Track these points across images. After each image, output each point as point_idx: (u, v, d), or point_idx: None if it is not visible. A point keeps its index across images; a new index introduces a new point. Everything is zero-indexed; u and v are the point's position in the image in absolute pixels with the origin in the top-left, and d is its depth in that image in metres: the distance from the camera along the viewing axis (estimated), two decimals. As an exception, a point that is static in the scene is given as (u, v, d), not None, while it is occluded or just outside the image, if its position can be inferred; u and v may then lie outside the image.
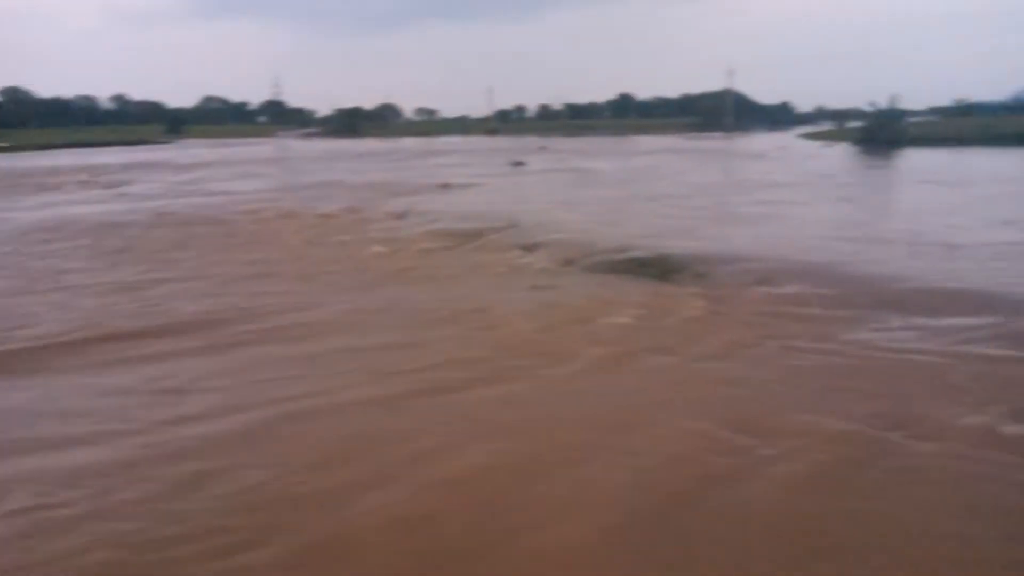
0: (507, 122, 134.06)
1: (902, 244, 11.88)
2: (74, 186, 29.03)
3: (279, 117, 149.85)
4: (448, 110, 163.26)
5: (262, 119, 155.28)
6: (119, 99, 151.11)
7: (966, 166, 30.46)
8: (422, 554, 4.10)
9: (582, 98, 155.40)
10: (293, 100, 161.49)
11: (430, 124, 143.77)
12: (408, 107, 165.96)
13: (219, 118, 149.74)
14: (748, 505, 4.48)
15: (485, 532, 4.27)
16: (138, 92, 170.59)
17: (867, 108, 49.71)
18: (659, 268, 10.73)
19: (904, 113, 54.32)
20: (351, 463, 5.11)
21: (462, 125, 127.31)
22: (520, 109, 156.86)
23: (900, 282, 9.29)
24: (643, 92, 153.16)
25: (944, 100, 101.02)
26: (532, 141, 70.63)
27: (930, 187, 21.52)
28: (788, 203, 18.09)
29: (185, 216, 18.42)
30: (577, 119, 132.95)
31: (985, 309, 8.01)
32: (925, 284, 9.13)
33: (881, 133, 45.52)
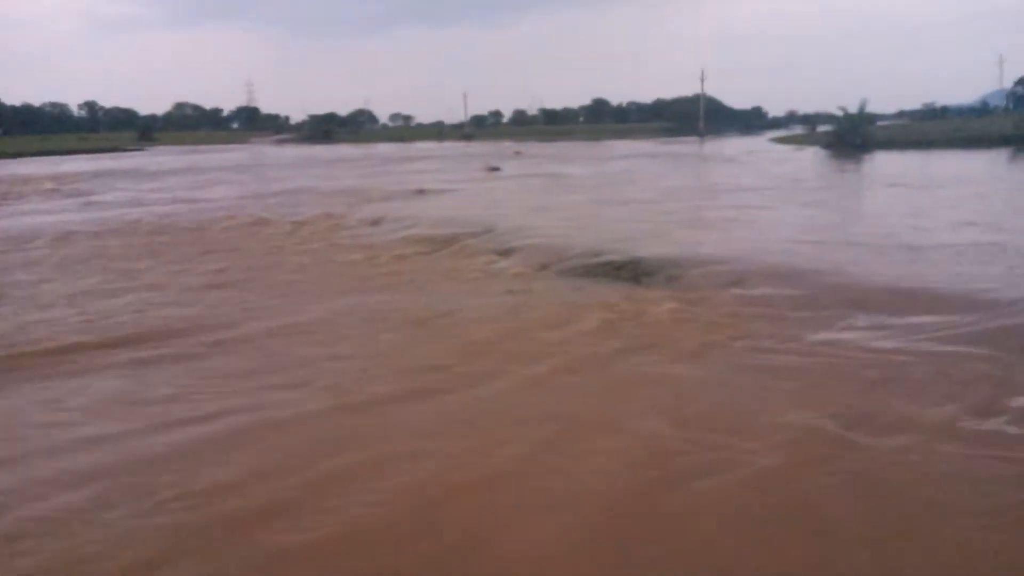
0: (483, 127, 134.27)
1: (869, 246, 12.06)
2: (41, 195, 28.60)
3: (253, 123, 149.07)
4: (423, 116, 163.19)
5: (235, 125, 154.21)
6: (90, 106, 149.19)
7: (933, 169, 31.01)
8: (381, 566, 4.08)
9: (557, 103, 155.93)
10: (267, 106, 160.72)
11: (405, 130, 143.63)
12: (383, 113, 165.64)
13: (192, 124, 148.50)
14: (715, 504, 4.54)
15: (446, 539, 4.26)
16: (109, 99, 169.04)
17: (837, 112, 50.33)
18: (632, 271, 10.81)
19: (874, 117, 55.17)
20: (305, 472, 5.03)
21: (437, 131, 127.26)
22: (496, 114, 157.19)
23: (867, 283, 9.44)
24: (617, 97, 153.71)
25: (914, 104, 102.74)
26: (507, 146, 70.85)
27: (897, 190, 21.88)
28: (758, 207, 18.30)
29: (152, 225, 18.23)
30: (552, 124, 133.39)
31: (948, 309, 8.17)
32: (891, 284, 9.29)
33: (850, 137, 46.21)
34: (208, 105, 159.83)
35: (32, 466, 5.25)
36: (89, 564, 4.06)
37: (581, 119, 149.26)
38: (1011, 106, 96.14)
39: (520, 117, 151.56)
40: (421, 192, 24.41)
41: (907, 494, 4.58)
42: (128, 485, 4.90)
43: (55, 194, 28.87)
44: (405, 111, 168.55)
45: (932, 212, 16.32)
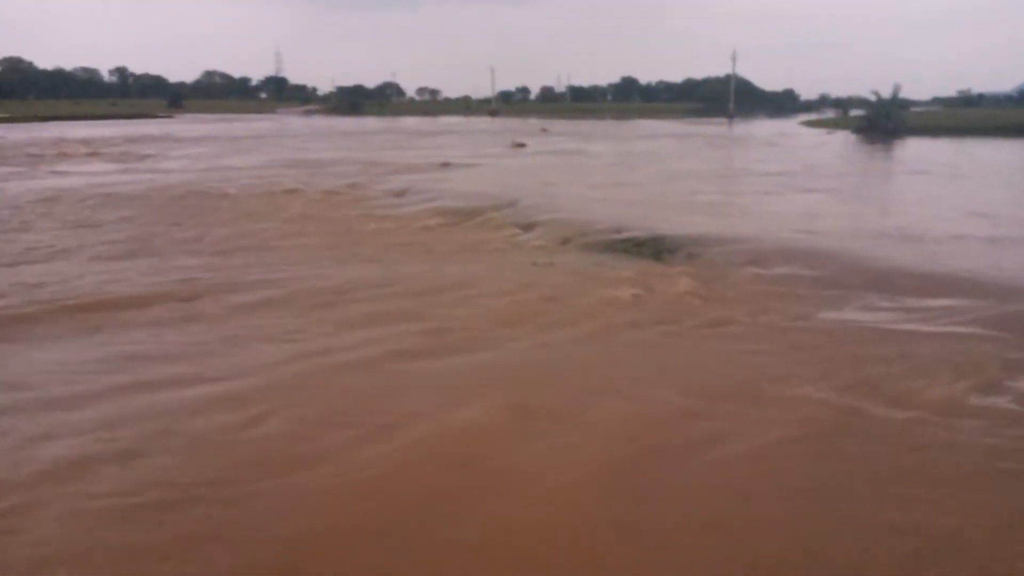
0: (510, 103, 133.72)
1: (891, 232, 12.09)
2: (77, 157, 29.12)
3: (280, 93, 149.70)
4: (450, 90, 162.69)
5: (263, 95, 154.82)
6: (120, 72, 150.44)
7: (964, 157, 30.55)
8: (383, 514, 4.31)
9: (585, 81, 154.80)
10: (295, 77, 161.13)
11: (432, 104, 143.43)
12: (410, 86, 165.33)
13: (220, 93, 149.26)
14: (726, 472, 4.70)
15: (454, 494, 4.47)
16: (140, 66, 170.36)
17: (870, 97, 49.63)
18: (653, 248, 10.95)
19: (907, 103, 54.29)
20: (320, 426, 5.28)
21: (464, 105, 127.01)
22: (523, 90, 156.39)
23: (884, 265, 9.50)
24: (646, 76, 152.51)
25: (949, 91, 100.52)
26: (534, 123, 70.62)
27: (923, 178, 21.70)
28: (782, 191, 18.30)
29: (184, 189, 18.56)
30: (580, 102, 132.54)
31: (962, 293, 8.21)
32: (907, 268, 9.34)
33: (882, 122, 45.55)
34: (237, 74, 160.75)
35: (74, 413, 5.56)
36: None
37: (609, 97, 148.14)
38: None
39: (547, 94, 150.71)
40: (446, 165, 24.59)
41: (912, 465, 4.74)
42: (154, 431, 5.21)
43: (91, 157, 29.40)
44: (432, 85, 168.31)
45: (957, 200, 16.20)
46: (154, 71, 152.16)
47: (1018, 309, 7.70)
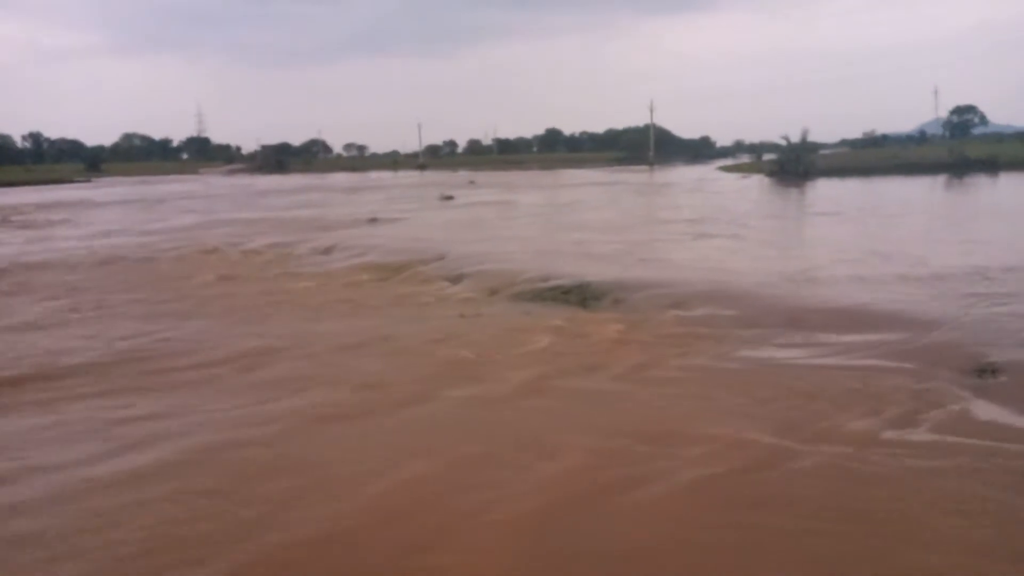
0: (438, 157, 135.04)
1: (801, 273, 12.58)
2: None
3: (204, 153, 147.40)
4: (378, 146, 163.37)
5: (186, 156, 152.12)
6: (34, 138, 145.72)
7: (870, 197, 32.07)
8: None
9: (511, 133, 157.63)
10: (218, 136, 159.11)
11: (359, 160, 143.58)
12: (337, 143, 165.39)
13: (141, 155, 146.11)
14: (649, 512, 4.76)
15: (388, 554, 4.38)
16: (55, 130, 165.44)
17: (781, 142, 52.07)
18: (580, 295, 11.10)
19: (816, 146, 57.13)
20: (239, 494, 5.13)
21: (392, 160, 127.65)
22: (450, 144, 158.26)
23: (802, 304, 9.85)
24: (570, 127, 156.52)
25: (855, 132, 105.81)
26: (462, 175, 71.44)
27: (829, 219, 22.72)
28: (703, 236, 18.89)
29: (99, 256, 17.97)
30: (506, 153, 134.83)
31: (876, 329, 8.57)
32: (824, 306, 9.71)
33: (793, 165, 47.77)
34: (157, 135, 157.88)
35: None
36: None
37: (535, 148, 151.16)
38: (948, 135, 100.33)
39: (475, 147, 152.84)
40: (374, 220, 24.55)
41: (830, 500, 4.86)
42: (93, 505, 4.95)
43: (3, 226, 28.26)
44: (359, 141, 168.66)
45: (857, 242, 16.88)
46: (70, 135, 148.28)
47: (919, 343, 8.01)
